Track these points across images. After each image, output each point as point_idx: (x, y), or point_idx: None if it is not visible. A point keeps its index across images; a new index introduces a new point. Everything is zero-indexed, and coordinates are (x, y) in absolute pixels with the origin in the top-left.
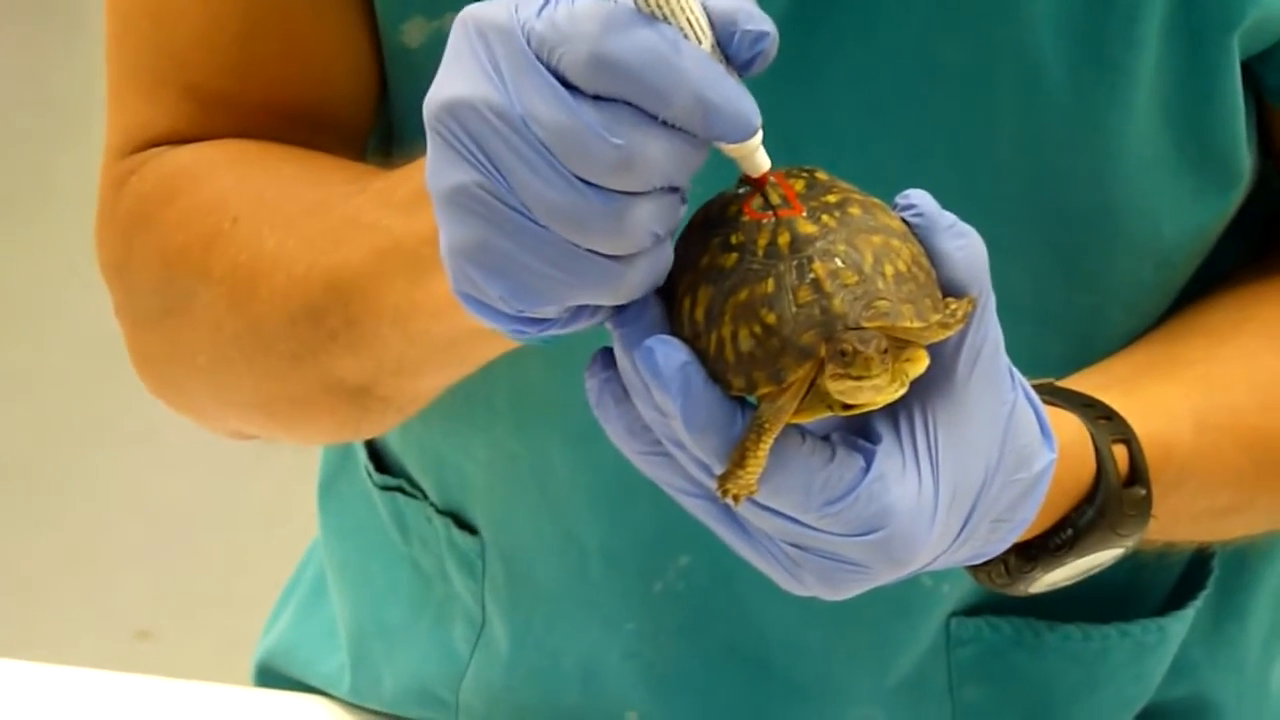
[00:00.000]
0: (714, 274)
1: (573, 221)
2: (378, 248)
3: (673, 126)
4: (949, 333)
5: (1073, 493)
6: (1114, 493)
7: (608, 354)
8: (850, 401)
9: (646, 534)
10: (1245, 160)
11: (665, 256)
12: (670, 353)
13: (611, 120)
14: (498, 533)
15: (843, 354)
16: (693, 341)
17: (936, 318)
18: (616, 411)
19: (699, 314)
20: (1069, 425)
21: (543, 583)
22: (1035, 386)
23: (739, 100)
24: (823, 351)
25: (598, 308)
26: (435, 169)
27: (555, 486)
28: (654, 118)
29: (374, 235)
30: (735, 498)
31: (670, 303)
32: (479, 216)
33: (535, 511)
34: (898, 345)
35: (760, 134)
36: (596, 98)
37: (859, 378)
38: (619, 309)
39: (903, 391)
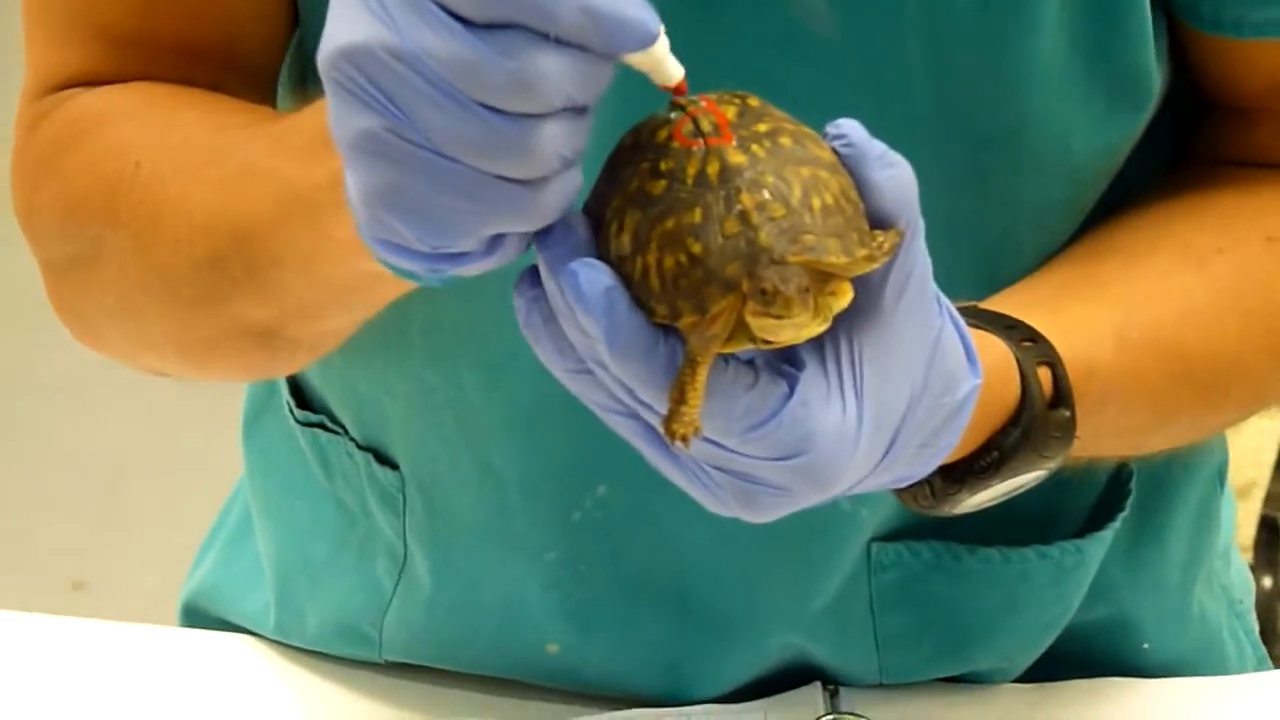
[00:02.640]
0: (642, 200)
1: (480, 149)
2: (276, 196)
3: (568, 44)
4: (874, 265)
5: (998, 416)
6: (1038, 415)
7: (536, 273)
8: (771, 338)
9: (564, 464)
10: (1154, 79)
11: (575, 179)
12: (595, 277)
13: (504, 44)
14: (417, 467)
15: (764, 292)
16: (618, 266)
17: (863, 251)
18: (545, 331)
19: (625, 239)
20: (994, 349)
21: (462, 516)
22: (959, 309)
23: (628, 7)
24: (745, 286)
25: (514, 238)
26: (338, 117)
27: (471, 418)
28: (546, 36)
29: (272, 183)
30: (684, 438)
31: (597, 226)
32: (387, 159)
33: (452, 444)
34: (822, 278)
35: (665, 42)
36: (487, 27)
37: (779, 317)
38: (543, 232)
39: (825, 327)
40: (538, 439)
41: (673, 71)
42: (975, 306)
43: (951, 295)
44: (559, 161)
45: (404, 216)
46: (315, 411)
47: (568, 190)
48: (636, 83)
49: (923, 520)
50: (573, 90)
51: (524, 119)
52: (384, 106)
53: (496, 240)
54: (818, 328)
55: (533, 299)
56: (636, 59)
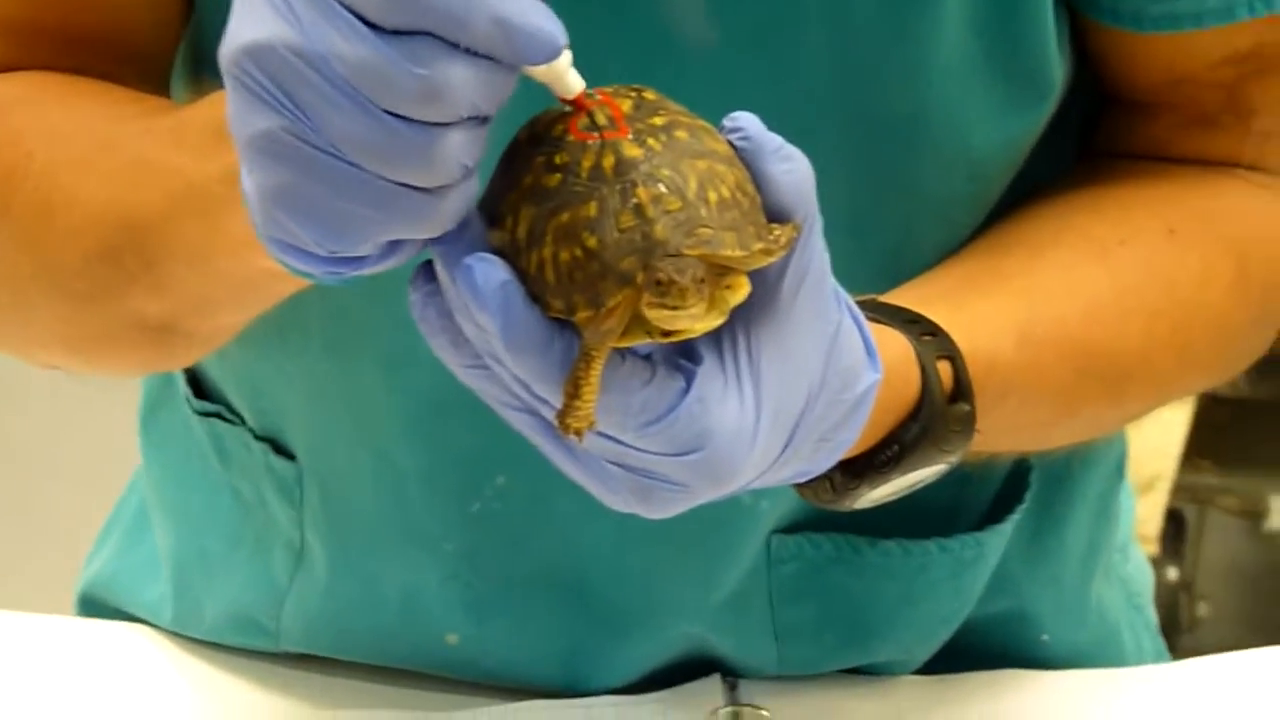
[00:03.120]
0: (537, 193)
1: (382, 156)
2: (170, 190)
3: (476, 53)
4: (771, 259)
5: (898, 410)
6: (938, 410)
7: (431, 268)
8: (668, 329)
9: (463, 455)
10: (1056, 72)
11: (474, 186)
12: (490, 271)
13: (413, 51)
14: (314, 458)
15: (658, 283)
16: (514, 260)
17: (759, 245)
18: (440, 325)
19: (521, 233)
20: (894, 343)
21: (360, 507)
22: (859, 302)
23: (540, 19)
24: (641, 279)
25: (409, 242)
26: (238, 116)
27: (369, 410)
28: (456, 45)
29: (166, 177)
30: (578, 433)
31: (493, 220)
32: (286, 161)
33: (350, 435)
34: (718, 272)
35: (568, 55)
36: (396, 33)
37: (674, 307)
38: None
39: (722, 320)
40: (436, 431)
41: (573, 84)
42: (875, 300)
43: (852, 289)
44: (460, 170)
45: (300, 220)
46: (213, 401)
47: (467, 197)
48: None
49: (823, 513)
50: (478, 100)
51: (429, 127)
52: (285, 107)
53: (394, 244)
54: (714, 320)
55: (428, 294)
56: (539, 71)
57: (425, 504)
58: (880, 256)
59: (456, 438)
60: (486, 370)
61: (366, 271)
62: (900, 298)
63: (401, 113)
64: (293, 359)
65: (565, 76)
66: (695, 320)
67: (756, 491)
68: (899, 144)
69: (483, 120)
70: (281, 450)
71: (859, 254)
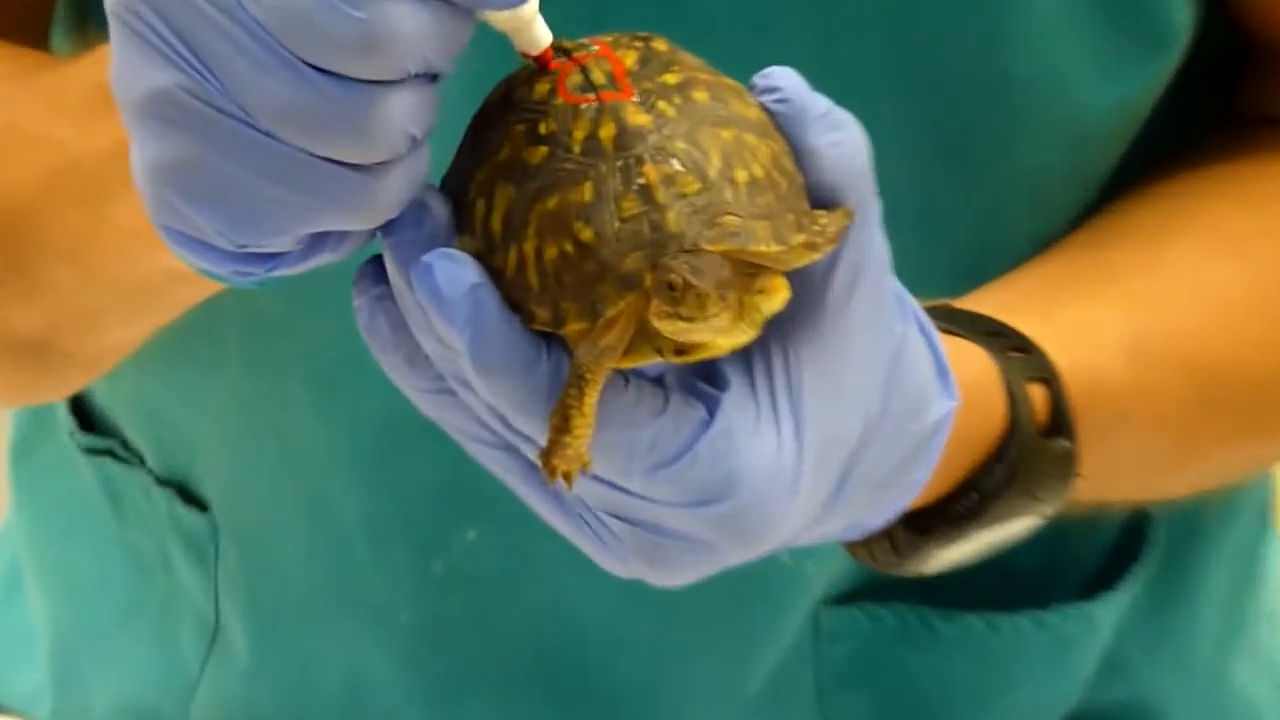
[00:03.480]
0: (516, 171)
1: (306, 122)
2: (46, 167)
3: None
4: (816, 255)
5: (977, 447)
6: (1029, 446)
7: (381, 265)
8: (684, 346)
9: (422, 501)
10: (1180, 17)
11: (422, 164)
12: (455, 272)
13: None
14: (232, 507)
15: (670, 287)
16: (486, 257)
17: (800, 237)
18: (392, 339)
19: (495, 222)
20: (973, 361)
21: (290, 570)
22: (928, 309)
23: None
24: (648, 281)
25: (343, 235)
26: (125, 71)
27: (302, 444)
28: None
29: (41, 150)
30: (566, 477)
31: (459, 205)
32: (184, 128)
33: (278, 477)
34: (749, 273)
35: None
36: None
37: (692, 318)
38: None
39: (753, 334)
40: (388, 470)
41: (539, 36)
42: (948, 306)
43: (919, 292)
44: (406, 142)
45: (200, 204)
46: (103, 435)
47: (414, 178)
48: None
49: (884, 579)
50: (428, 51)
51: (367, 86)
52: (185, 60)
53: (321, 237)
54: (743, 335)
55: (376, 298)
56: (501, 17)
57: (374, 565)
58: (955, 251)
59: (413, 481)
60: (451, 396)
61: (287, 272)
62: (981, 302)
63: (331, 68)
64: (205, 378)
65: (530, 28)
66: (719, 334)
67: (799, 551)
68: (980, 113)
69: (432, 78)
70: (190, 498)
71: (928, 248)
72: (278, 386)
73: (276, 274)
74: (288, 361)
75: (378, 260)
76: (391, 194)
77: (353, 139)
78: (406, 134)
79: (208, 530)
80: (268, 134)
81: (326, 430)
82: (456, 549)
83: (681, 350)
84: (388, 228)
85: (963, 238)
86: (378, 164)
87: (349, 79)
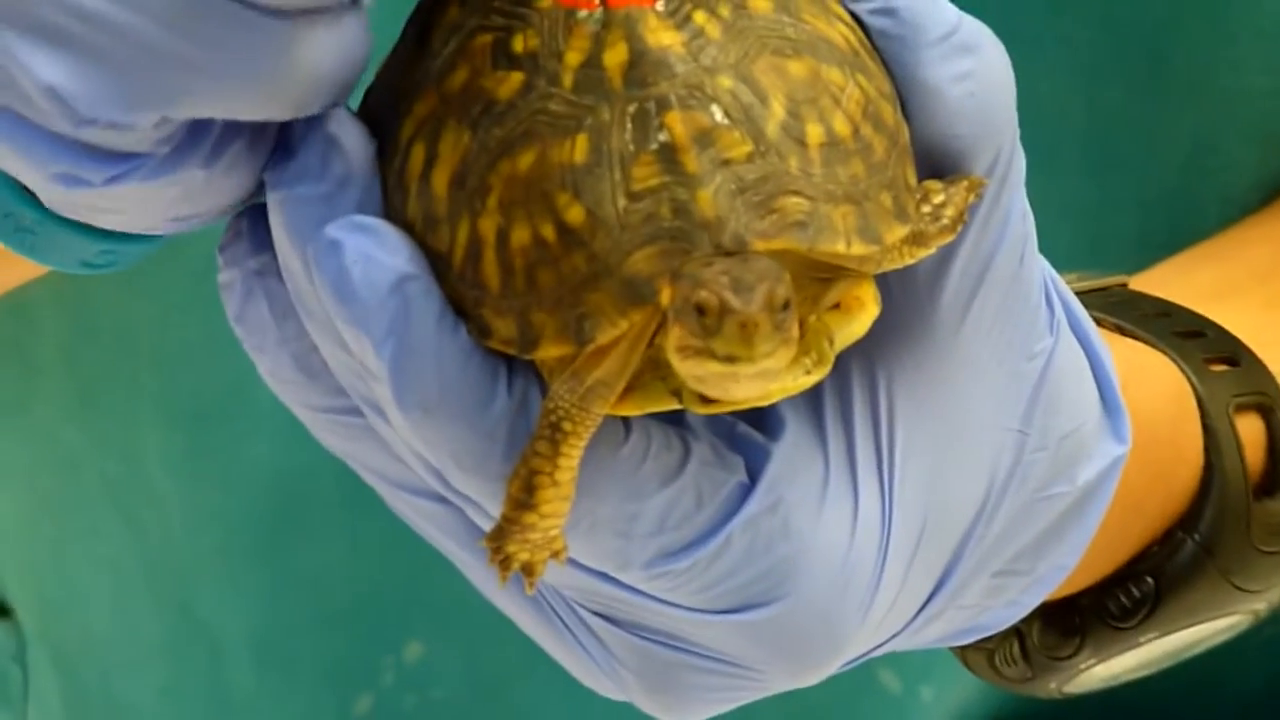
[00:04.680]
0: (475, 106)
1: None
2: None
3: None
4: (926, 252)
5: (1155, 511)
6: (1235, 510)
7: (262, 228)
8: (715, 395)
9: (339, 605)
10: None
11: (356, 36)
12: (375, 255)
13: None
14: (48, 614)
15: (700, 310)
16: (423, 234)
17: (901, 230)
18: (276, 332)
19: (439, 180)
20: (1155, 381)
21: (140, 711)
22: (1092, 293)
23: None
24: (665, 297)
25: (232, 133)
26: None
27: (155, 522)
28: None
29: None
30: (527, 570)
31: (386, 146)
32: None
33: (120, 570)
34: (822, 280)
35: None
36: None
37: (729, 357)
38: (282, 150)
39: (820, 376)
40: (285, 560)
41: None
42: (1124, 285)
43: (1100, 267)
44: None
45: (34, 45)
46: None
47: (346, 54)
48: None
49: (1031, 707)
50: None
51: None
52: None
53: (197, 132)
54: (805, 378)
55: (255, 274)
56: None
57: (268, 703)
58: (1149, 211)
59: (323, 575)
60: (358, 422)
61: (134, 185)
62: (1173, 281)
63: None
64: (8, 430)
65: None
66: (768, 379)
67: (907, 668)
68: (1184, 24)
69: None
70: None
71: (1113, 211)
72: (120, 437)
73: (120, 184)
74: (135, 398)
75: (258, 214)
76: (312, 65)
77: None
78: None
79: (14, 647)
80: None
81: (192, 503)
82: (390, 674)
83: (709, 396)
84: (281, 171)
85: (1157, 187)
86: (299, 11)
87: None
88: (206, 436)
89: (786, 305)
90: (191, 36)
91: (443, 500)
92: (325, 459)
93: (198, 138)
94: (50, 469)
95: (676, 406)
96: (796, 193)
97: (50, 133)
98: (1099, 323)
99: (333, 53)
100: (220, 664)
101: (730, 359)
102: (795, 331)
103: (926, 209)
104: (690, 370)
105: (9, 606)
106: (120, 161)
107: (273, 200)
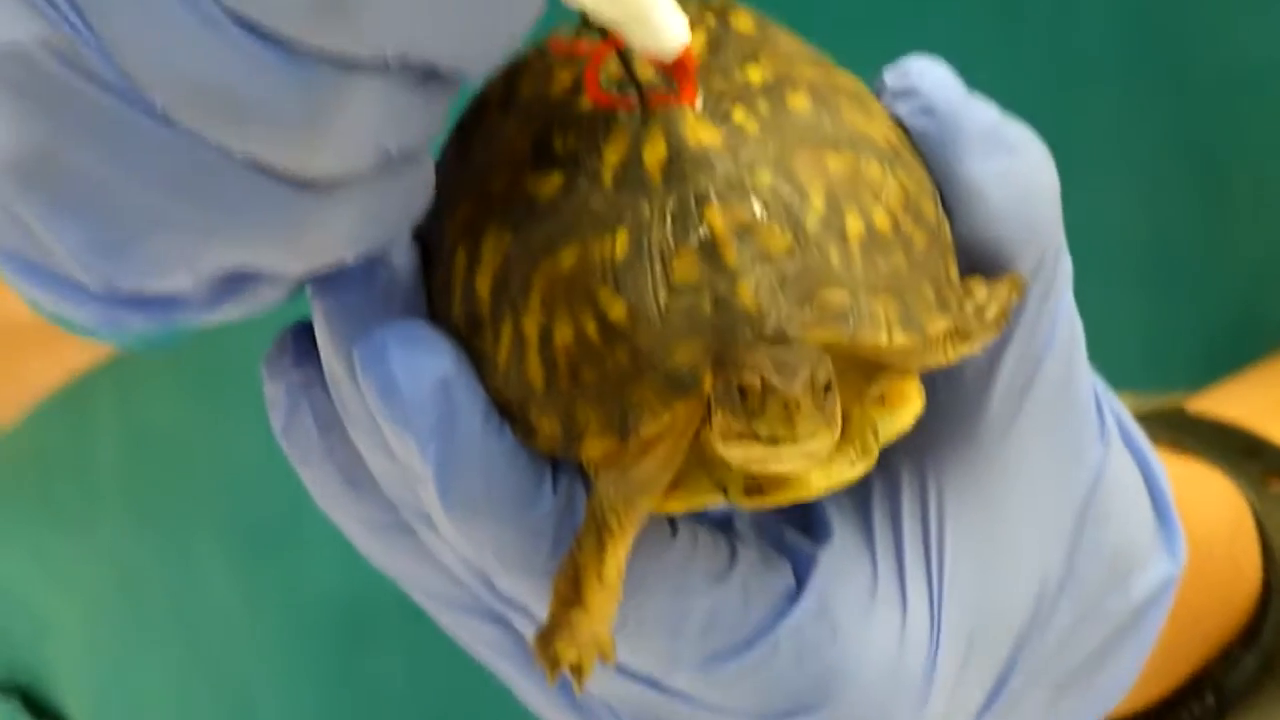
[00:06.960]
0: (517, 208)
1: (225, 105)
2: None
3: None
4: (967, 349)
5: (1214, 628)
6: None
7: (308, 339)
8: (761, 481)
9: (394, 710)
10: None
11: (395, 194)
12: (420, 358)
13: None
14: None
15: (743, 393)
16: (468, 337)
17: (943, 323)
18: (321, 446)
19: (482, 283)
20: (1211, 496)
21: None
22: (1150, 417)
23: None
24: (709, 385)
25: (267, 281)
26: None
27: (215, 629)
28: None
29: None
30: (575, 671)
31: (430, 255)
32: (40, 101)
33: (177, 679)
34: (865, 375)
35: None
36: None
37: (773, 439)
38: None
39: (865, 468)
40: (343, 667)
41: (667, 31)
42: (1180, 409)
43: (1157, 384)
44: (374, 153)
45: (59, 210)
46: None
47: (377, 211)
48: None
49: None
50: (424, 22)
51: (324, 63)
52: (53, 4)
53: (235, 279)
54: (850, 470)
55: (301, 387)
56: None
57: None
58: (1215, 312)
59: (380, 682)
60: (408, 536)
61: (182, 325)
62: (1234, 395)
63: (275, 28)
64: (61, 532)
65: (653, 14)
66: (813, 465)
67: None
68: (1213, 91)
69: (432, 73)
70: (40, 709)
71: (1173, 314)
72: (177, 544)
73: (167, 324)
74: (192, 506)
75: (303, 327)
76: (339, 228)
77: (296, 138)
78: (377, 144)
79: None
80: (166, 118)
81: (251, 609)
82: None
83: (756, 488)
84: (323, 283)
85: (1219, 304)
86: (327, 182)
87: (300, 50)
88: (268, 547)
89: (829, 387)
90: (211, 205)
91: (494, 618)
92: (385, 580)
93: (238, 277)
94: (113, 584)
95: (722, 501)
96: (837, 285)
97: (88, 291)
98: (1154, 439)
99: (360, 216)
100: None
101: (774, 440)
102: (838, 414)
103: (970, 305)
104: (735, 454)
105: (64, 718)
106: (165, 306)
107: (317, 309)
